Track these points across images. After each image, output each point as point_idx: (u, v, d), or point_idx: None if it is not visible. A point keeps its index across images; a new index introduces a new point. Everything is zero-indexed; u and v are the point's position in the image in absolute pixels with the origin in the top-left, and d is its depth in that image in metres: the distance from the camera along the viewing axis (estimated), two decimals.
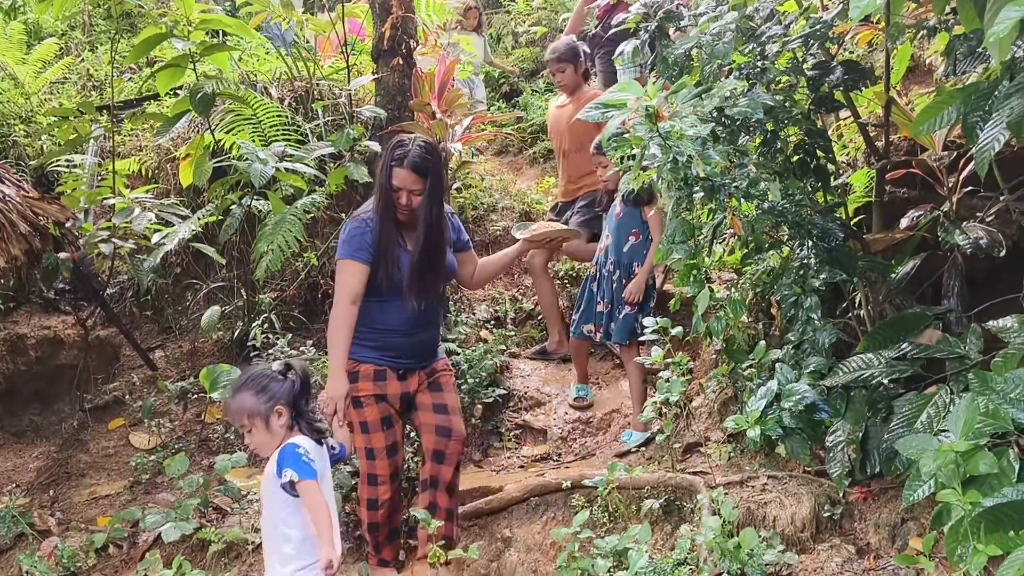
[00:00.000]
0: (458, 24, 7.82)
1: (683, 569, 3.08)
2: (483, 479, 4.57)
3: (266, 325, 5.30)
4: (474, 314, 5.83)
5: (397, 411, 3.69)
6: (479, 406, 5.03)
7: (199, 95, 4.41)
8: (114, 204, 4.98)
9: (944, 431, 2.57)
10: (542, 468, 4.61)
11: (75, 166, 5.71)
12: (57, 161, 5.63)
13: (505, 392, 5.21)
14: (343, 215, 5.80)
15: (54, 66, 6.98)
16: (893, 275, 3.58)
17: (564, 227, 4.08)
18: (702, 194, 3.19)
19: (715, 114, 3.17)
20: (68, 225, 5.10)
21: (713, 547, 3.12)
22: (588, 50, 5.53)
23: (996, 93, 2.58)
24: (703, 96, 3.11)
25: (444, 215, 3.59)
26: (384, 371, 3.62)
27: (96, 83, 7.31)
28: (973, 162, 2.87)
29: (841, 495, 3.33)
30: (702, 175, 3.05)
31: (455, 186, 6.56)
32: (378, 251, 3.45)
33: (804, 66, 3.48)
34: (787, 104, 3.40)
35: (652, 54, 3.63)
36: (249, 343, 5.13)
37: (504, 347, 5.47)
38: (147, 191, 5.37)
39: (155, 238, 4.91)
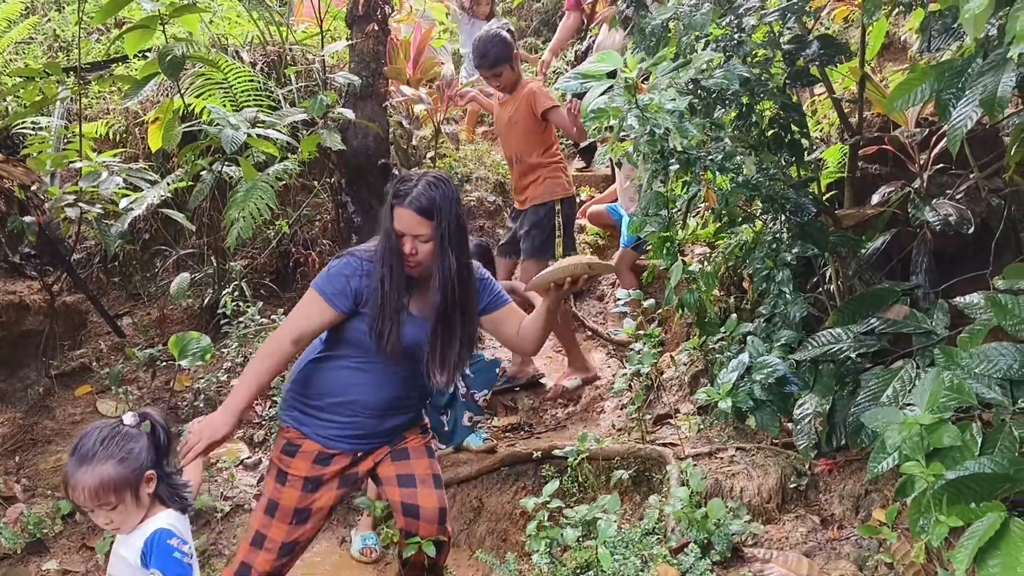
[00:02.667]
0: (469, 10, 7.43)
1: (651, 539, 3.12)
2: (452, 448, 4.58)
3: (236, 293, 5.27)
4: None
5: (334, 500, 3.00)
6: None
7: (168, 58, 4.32)
8: (81, 168, 4.89)
9: (909, 405, 2.61)
10: (513, 438, 4.63)
11: (41, 128, 5.59)
12: (22, 123, 5.51)
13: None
14: (315, 183, 5.75)
15: (19, 26, 6.80)
16: (863, 250, 3.61)
17: (573, 263, 2.75)
18: (677, 167, 3.19)
19: (691, 86, 3.16)
20: (34, 188, 5.00)
21: (681, 517, 3.16)
22: (512, 29, 4.81)
23: (969, 71, 2.59)
24: (680, 69, 3.10)
25: (471, 269, 2.83)
26: (331, 456, 2.94)
27: (63, 44, 7.15)
28: (945, 139, 2.90)
29: (807, 467, 3.38)
30: (679, 148, 3.05)
31: (429, 155, 6.52)
32: (375, 307, 2.74)
33: (780, 40, 3.47)
34: (763, 77, 3.40)
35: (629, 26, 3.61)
36: (219, 311, 5.09)
37: None
38: (115, 155, 5.28)
39: (123, 203, 4.83)
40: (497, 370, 4.52)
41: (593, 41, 6.54)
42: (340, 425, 2.90)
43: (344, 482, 2.98)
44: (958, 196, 3.55)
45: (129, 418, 2.34)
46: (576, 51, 7.23)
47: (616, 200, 5.72)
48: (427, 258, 2.74)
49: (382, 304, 2.72)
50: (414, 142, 6.40)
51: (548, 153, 4.82)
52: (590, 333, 5.66)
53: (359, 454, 2.96)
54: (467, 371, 4.26)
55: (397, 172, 5.41)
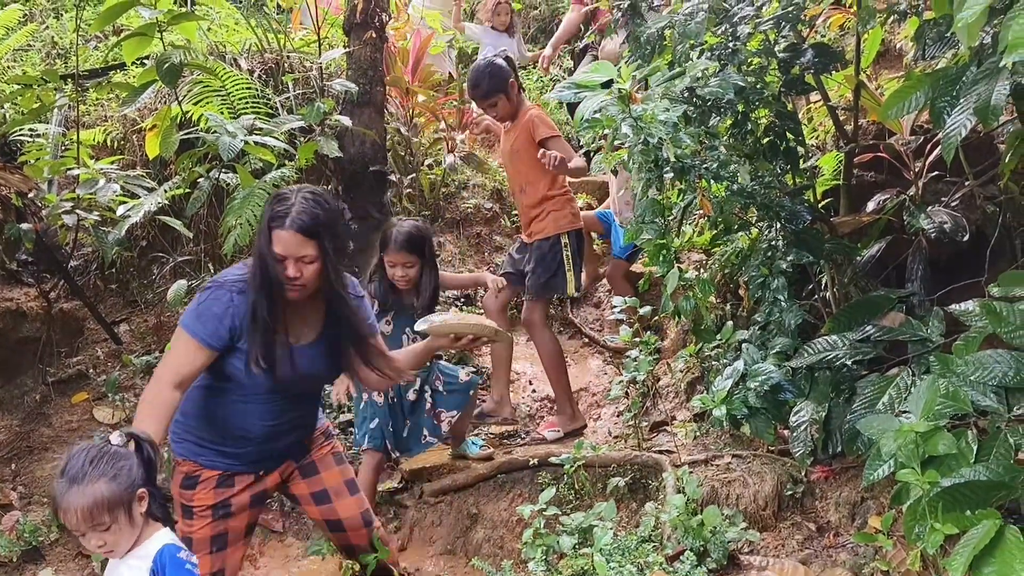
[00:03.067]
0: (489, 22, 7.35)
1: (647, 546, 3.11)
2: (450, 456, 4.58)
3: None
4: (443, 292, 5.81)
5: (248, 519, 2.92)
6: None
7: (166, 65, 4.32)
8: (78, 175, 4.89)
9: (905, 412, 2.61)
10: (509, 445, 4.62)
11: (38, 136, 5.59)
12: (20, 130, 5.51)
13: (474, 370, 5.21)
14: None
15: (17, 33, 6.81)
16: (859, 258, 3.62)
17: (481, 323, 2.92)
18: (672, 175, 3.20)
19: (686, 94, 3.17)
20: (31, 196, 5.00)
21: (677, 525, 3.16)
22: (511, 55, 4.60)
23: (964, 79, 2.60)
24: (675, 78, 3.11)
25: (353, 286, 2.78)
26: (233, 477, 2.85)
27: (61, 51, 7.15)
28: (940, 147, 2.90)
29: (803, 474, 3.38)
30: (673, 157, 3.06)
31: (427, 162, 6.53)
32: (252, 341, 2.58)
33: (776, 48, 3.48)
34: (758, 86, 3.41)
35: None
36: None
37: None
38: (112, 162, 5.28)
39: (120, 210, 4.83)
40: (472, 393, 4.26)
41: (592, 43, 6.53)
42: (234, 454, 2.80)
43: (255, 501, 2.90)
44: (953, 204, 3.56)
45: (116, 437, 2.29)
46: (573, 49, 7.21)
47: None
48: (312, 280, 2.58)
49: (261, 336, 2.56)
50: (412, 149, 6.40)
51: (555, 185, 4.54)
52: (587, 340, 5.66)
53: (261, 473, 2.88)
54: (439, 386, 4.16)
55: (394, 179, 5.42)
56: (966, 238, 3.29)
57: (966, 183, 3.56)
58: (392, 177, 5.43)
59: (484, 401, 4.80)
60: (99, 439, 2.25)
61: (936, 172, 3.71)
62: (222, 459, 2.79)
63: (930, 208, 3.44)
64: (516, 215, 6.50)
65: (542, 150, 4.23)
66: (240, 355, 2.61)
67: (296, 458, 2.97)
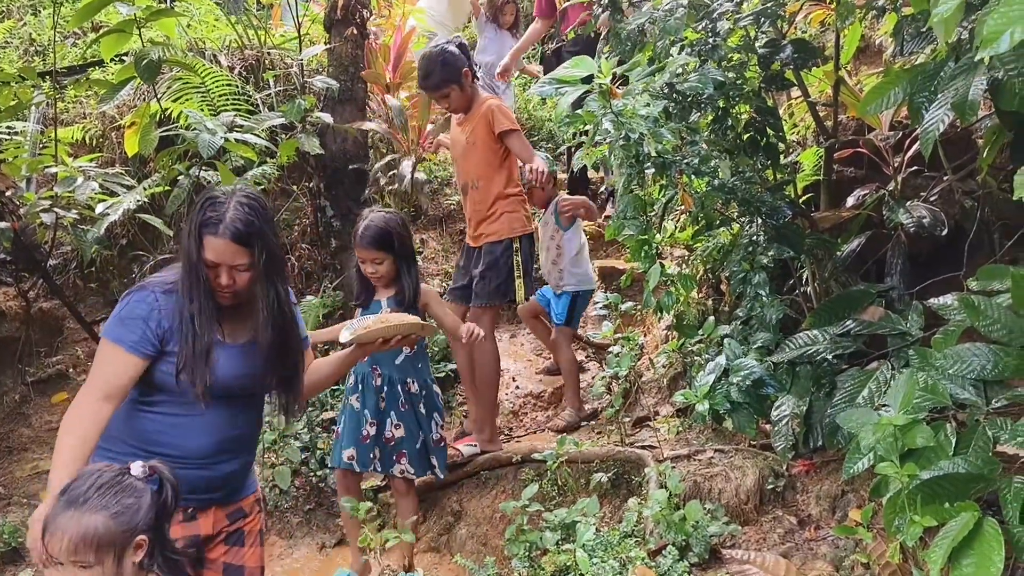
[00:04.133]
0: (493, 20, 7.16)
1: (629, 541, 3.12)
2: None
3: None
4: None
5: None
6: None
7: (145, 62, 4.29)
8: (56, 173, 4.85)
9: (885, 406, 2.63)
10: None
11: (16, 133, 5.54)
12: None
13: (473, 452, 5.18)
14: (294, 187, 5.73)
15: None
16: (839, 253, 3.64)
17: (409, 319, 2.66)
18: (653, 170, 3.20)
19: (666, 90, 3.18)
20: (8, 194, 4.95)
21: (659, 519, 3.16)
22: (464, 43, 4.30)
23: (942, 74, 2.62)
24: (655, 74, 3.12)
25: (289, 294, 2.52)
26: None
27: (38, 48, 7.09)
28: (918, 142, 2.93)
29: (785, 468, 3.40)
30: (653, 153, 3.07)
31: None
32: (181, 347, 2.35)
33: (755, 44, 3.50)
34: (738, 81, 3.42)
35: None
36: None
37: None
38: (91, 160, 5.24)
39: (99, 208, 4.79)
40: (433, 471, 3.83)
41: (560, 45, 6.45)
42: None
43: (189, 546, 2.42)
44: (932, 198, 3.59)
45: (137, 468, 2.00)
46: (544, 52, 7.14)
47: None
48: (245, 287, 2.39)
49: (192, 343, 2.34)
50: (394, 146, 6.38)
51: (510, 183, 4.28)
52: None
53: (190, 509, 2.49)
54: (416, 442, 3.76)
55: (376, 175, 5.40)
56: (945, 232, 3.32)
57: (945, 178, 3.58)
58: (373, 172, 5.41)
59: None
60: (119, 464, 1.99)
61: (915, 167, 3.73)
62: None
63: (909, 203, 3.46)
64: None
65: (529, 166, 4.04)
66: (169, 361, 2.37)
67: (227, 500, 2.57)
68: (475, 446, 4.33)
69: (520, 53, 6.77)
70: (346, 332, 2.68)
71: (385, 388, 3.72)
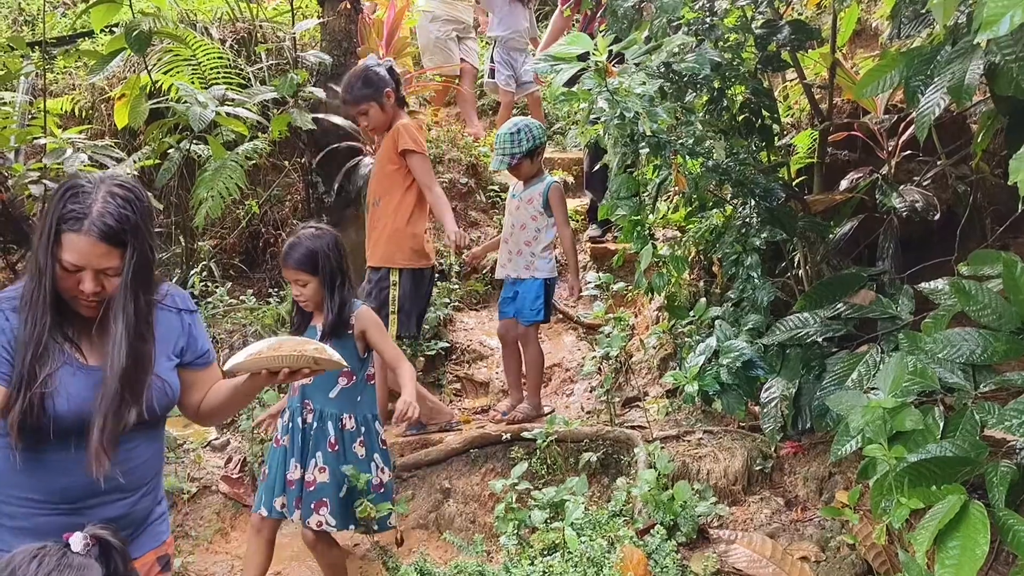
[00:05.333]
0: None
1: (618, 520, 3.13)
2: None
3: (205, 273, 5.22)
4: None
5: None
6: (421, 359, 5.03)
7: (135, 33, 4.25)
8: (45, 144, 4.81)
9: (873, 389, 2.64)
10: (482, 420, 4.63)
11: (4, 104, 5.48)
12: None
13: (448, 345, 5.21)
14: (285, 162, 5.69)
15: None
16: (831, 236, 3.64)
17: (303, 350, 2.12)
18: (648, 150, 3.19)
19: (662, 69, 3.16)
20: None
21: (648, 499, 3.18)
22: (395, 68, 4.23)
23: (938, 58, 2.61)
24: (652, 52, 3.10)
25: (152, 306, 2.04)
26: None
27: (28, 18, 7.01)
28: (913, 126, 2.92)
29: (773, 449, 3.42)
30: (649, 132, 3.05)
31: None
32: (24, 366, 1.91)
33: (753, 24, 3.48)
34: (734, 62, 3.41)
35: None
36: (187, 291, 5.04)
37: (448, 300, 5.46)
38: (80, 132, 5.19)
39: None
40: (350, 517, 3.26)
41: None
42: (32, 528, 1.98)
43: None
44: (925, 183, 3.59)
45: (77, 542, 1.65)
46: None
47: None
48: (114, 294, 1.96)
49: (35, 360, 1.91)
50: None
51: (414, 217, 4.12)
52: (561, 316, 5.67)
53: None
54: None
55: (368, 150, 5.37)
56: (937, 217, 3.33)
57: (938, 162, 3.58)
58: (363, 150, 5.37)
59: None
60: (54, 542, 1.64)
61: (909, 151, 3.73)
62: (14, 538, 1.95)
63: (902, 187, 3.47)
64: (492, 189, 6.48)
65: (447, 234, 3.90)
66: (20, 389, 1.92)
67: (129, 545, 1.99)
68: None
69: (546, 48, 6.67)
70: (239, 355, 2.13)
71: (315, 424, 3.24)
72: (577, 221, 6.12)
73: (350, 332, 3.21)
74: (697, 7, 3.36)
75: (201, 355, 2.21)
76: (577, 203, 6.29)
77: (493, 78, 7.04)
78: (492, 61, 7.03)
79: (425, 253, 4.22)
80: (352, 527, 3.29)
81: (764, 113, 3.55)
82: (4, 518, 1.99)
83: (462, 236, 4.07)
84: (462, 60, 7.16)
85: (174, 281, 5.40)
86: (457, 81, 7.10)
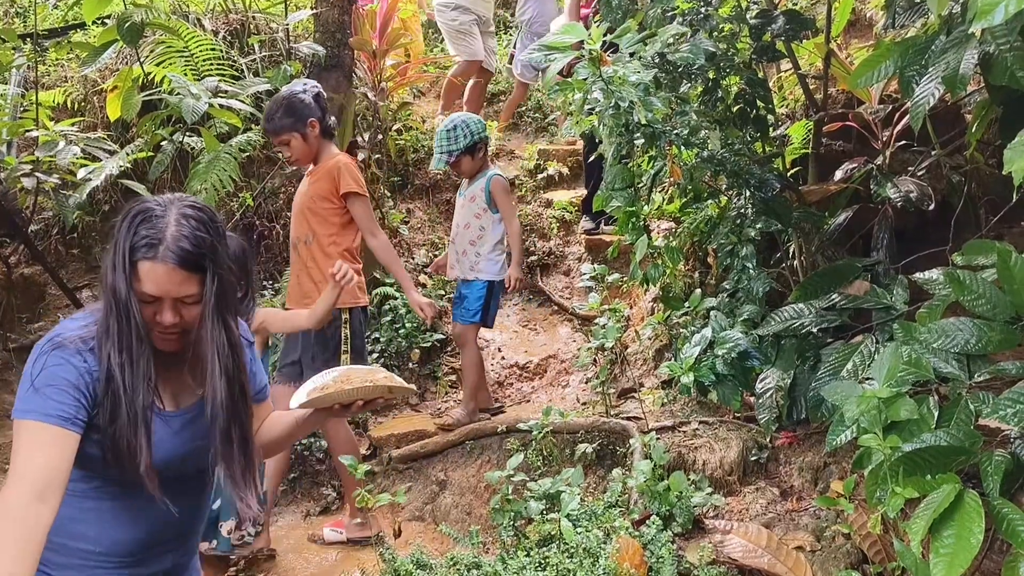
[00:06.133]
0: None
1: (614, 511, 3.14)
2: (419, 423, 4.58)
3: None
4: (413, 259, 5.78)
5: None
6: (416, 350, 5.04)
7: (127, 24, 4.22)
8: (38, 137, 4.78)
9: (868, 379, 2.64)
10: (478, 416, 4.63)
11: None
12: None
13: (443, 337, 5.20)
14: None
15: None
16: (826, 226, 3.64)
17: (376, 378, 2.00)
18: (643, 141, 3.18)
19: (657, 59, 3.15)
20: None
21: (643, 490, 3.19)
22: (322, 93, 3.93)
23: (933, 48, 2.61)
24: (646, 41, 3.09)
25: (242, 331, 1.95)
26: None
27: (19, 9, 6.96)
28: (908, 116, 2.92)
29: (768, 440, 3.42)
30: (643, 122, 3.04)
31: (395, 127, 6.45)
32: (110, 413, 1.76)
33: (747, 14, 3.47)
34: (729, 52, 3.40)
35: None
36: None
37: (443, 292, 5.46)
38: (73, 124, 5.17)
39: (81, 173, 4.74)
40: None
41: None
42: None
43: None
44: (919, 173, 3.59)
45: None
46: None
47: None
48: (194, 325, 1.82)
49: (124, 407, 1.76)
50: (379, 114, 6.32)
51: (348, 252, 3.89)
52: (556, 307, 5.67)
53: None
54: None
55: (361, 140, 5.35)
56: (931, 207, 3.32)
57: (933, 152, 3.58)
58: (358, 138, 5.35)
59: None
60: None
61: (904, 142, 3.73)
62: None
63: (897, 177, 3.46)
64: None
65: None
66: (97, 437, 1.78)
67: None
68: (341, 532, 3.95)
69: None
70: (302, 392, 2.00)
71: None
72: (571, 213, 6.12)
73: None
74: None
75: (259, 391, 2.06)
76: (572, 194, 6.28)
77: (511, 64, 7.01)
78: (515, 47, 7.00)
79: (366, 290, 4.03)
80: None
81: (759, 103, 3.54)
82: (53, 568, 1.83)
83: (431, 307, 3.94)
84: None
85: None
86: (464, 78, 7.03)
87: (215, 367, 1.82)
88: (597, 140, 3.40)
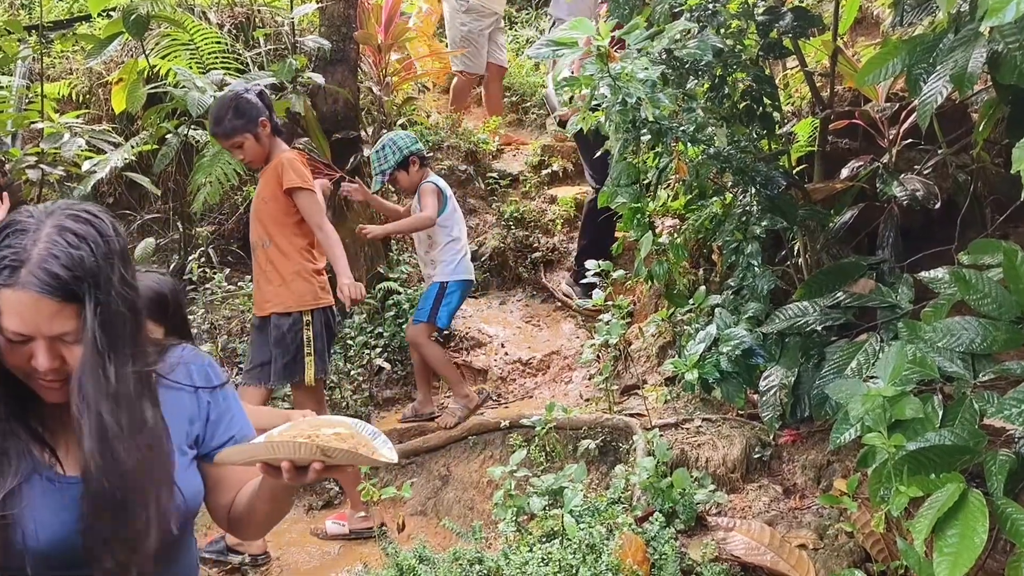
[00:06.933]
0: None
1: (617, 508, 3.14)
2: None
3: (203, 259, 5.21)
4: (415, 253, 5.78)
5: None
6: None
7: (133, 17, 4.23)
8: (43, 129, 4.79)
9: (873, 377, 2.64)
10: (481, 407, 4.63)
11: (1, 88, 5.45)
12: None
13: (447, 332, 5.20)
14: None
15: None
16: (831, 224, 3.63)
17: (324, 443, 1.37)
18: (649, 137, 3.18)
19: (664, 55, 3.15)
20: None
21: (646, 487, 3.18)
22: (265, 91, 3.85)
23: (941, 46, 2.60)
24: (653, 38, 3.08)
25: (150, 383, 1.49)
26: None
27: (25, 1, 6.96)
28: (915, 114, 2.91)
29: (771, 438, 3.42)
30: (650, 118, 3.04)
31: (399, 122, 6.44)
32: None
33: (755, 11, 3.46)
34: (736, 49, 3.39)
35: None
36: (185, 277, 5.04)
37: None
38: (78, 116, 5.16)
39: (86, 166, 4.74)
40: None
41: None
42: None
43: None
44: (926, 171, 3.58)
45: None
46: None
47: None
48: (77, 374, 1.38)
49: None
50: (384, 108, 6.32)
51: (305, 251, 3.83)
52: (559, 303, 5.67)
53: None
54: None
55: (365, 134, 5.34)
56: (937, 206, 3.32)
57: (939, 151, 3.58)
58: (363, 135, 5.35)
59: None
60: None
61: (910, 140, 3.72)
62: None
63: (903, 176, 3.46)
64: (492, 176, 6.45)
65: (341, 286, 3.53)
66: None
67: None
68: (343, 524, 3.97)
69: None
70: (226, 450, 1.50)
71: None
72: (575, 210, 6.11)
73: None
74: None
75: (226, 443, 1.58)
76: (576, 191, 6.28)
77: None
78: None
79: (328, 289, 3.93)
80: None
81: (765, 101, 3.53)
82: None
83: (356, 288, 3.80)
84: (489, 63, 6.94)
85: (171, 268, 5.39)
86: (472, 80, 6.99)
87: (89, 425, 1.35)
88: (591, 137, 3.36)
